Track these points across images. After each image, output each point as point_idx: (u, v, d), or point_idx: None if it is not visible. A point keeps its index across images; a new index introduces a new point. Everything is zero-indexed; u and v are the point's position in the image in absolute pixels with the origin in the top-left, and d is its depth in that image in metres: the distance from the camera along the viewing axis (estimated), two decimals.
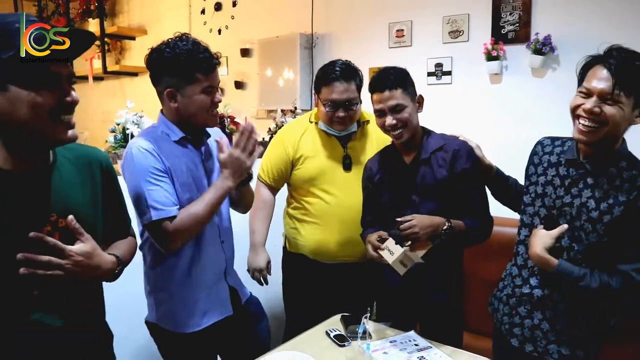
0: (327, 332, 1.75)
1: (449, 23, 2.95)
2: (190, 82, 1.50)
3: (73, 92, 1.05)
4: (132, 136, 2.14)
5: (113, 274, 1.21)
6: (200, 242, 1.61)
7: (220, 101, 1.59)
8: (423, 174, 1.77)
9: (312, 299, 2.13)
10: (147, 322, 1.67)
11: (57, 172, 1.12)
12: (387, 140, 1.99)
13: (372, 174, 1.89)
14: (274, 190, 2.14)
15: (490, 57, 2.78)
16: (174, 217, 1.46)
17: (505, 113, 2.85)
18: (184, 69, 1.48)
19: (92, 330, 1.24)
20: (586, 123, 1.30)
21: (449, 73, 2.98)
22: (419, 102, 1.80)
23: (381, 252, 1.65)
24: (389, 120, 1.71)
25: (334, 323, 1.83)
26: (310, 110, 2.49)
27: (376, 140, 2.06)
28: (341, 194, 2.03)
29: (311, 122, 2.09)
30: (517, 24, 2.73)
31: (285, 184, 2.17)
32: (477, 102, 2.91)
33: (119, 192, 1.31)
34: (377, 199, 1.88)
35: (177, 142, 1.57)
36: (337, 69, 1.94)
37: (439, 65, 3.00)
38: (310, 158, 2.04)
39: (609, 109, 1.26)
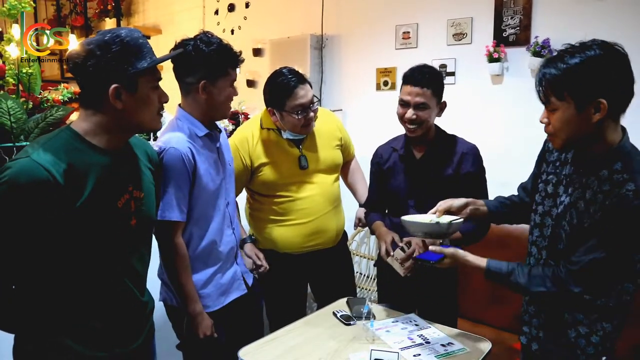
0: (334, 313, 1.86)
1: (453, 26, 3.06)
2: (222, 75, 1.61)
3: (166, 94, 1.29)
4: None
5: None
6: (218, 228, 1.72)
7: (236, 94, 1.70)
8: (430, 170, 1.85)
9: (288, 288, 2.16)
10: (167, 305, 1.74)
11: (131, 151, 1.32)
12: (329, 131, 2.09)
13: (382, 160, 1.97)
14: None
15: (492, 59, 2.89)
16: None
17: (505, 112, 2.95)
18: (219, 62, 1.59)
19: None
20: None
21: (452, 74, 3.09)
22: (442, 108, 1.85)
23: (399, 269, 1.76)
24: (409, 113, 1.78)
25: (341, 305, 1.96)
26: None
27: (320, 132, 2.10)
28: (303, 192, 2.06)
29: (263, 129, 2.05)
30: (518, 28, 2.84)
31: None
32: (479, 102, 3.02)
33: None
34: (384, 184, 1.97)
35: (201, 138, 1.65)
36: (291, 76, 1.93)
37: (443, 66, 3.10)
38: (268, 165, 2.02)
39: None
